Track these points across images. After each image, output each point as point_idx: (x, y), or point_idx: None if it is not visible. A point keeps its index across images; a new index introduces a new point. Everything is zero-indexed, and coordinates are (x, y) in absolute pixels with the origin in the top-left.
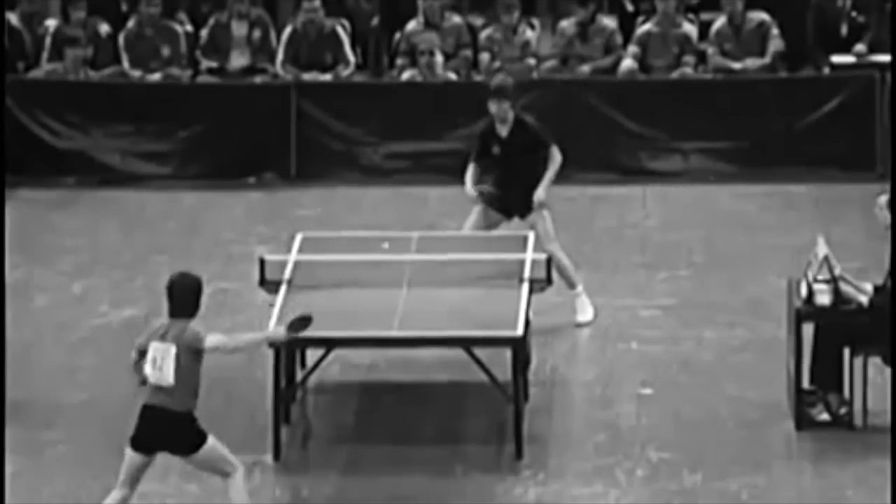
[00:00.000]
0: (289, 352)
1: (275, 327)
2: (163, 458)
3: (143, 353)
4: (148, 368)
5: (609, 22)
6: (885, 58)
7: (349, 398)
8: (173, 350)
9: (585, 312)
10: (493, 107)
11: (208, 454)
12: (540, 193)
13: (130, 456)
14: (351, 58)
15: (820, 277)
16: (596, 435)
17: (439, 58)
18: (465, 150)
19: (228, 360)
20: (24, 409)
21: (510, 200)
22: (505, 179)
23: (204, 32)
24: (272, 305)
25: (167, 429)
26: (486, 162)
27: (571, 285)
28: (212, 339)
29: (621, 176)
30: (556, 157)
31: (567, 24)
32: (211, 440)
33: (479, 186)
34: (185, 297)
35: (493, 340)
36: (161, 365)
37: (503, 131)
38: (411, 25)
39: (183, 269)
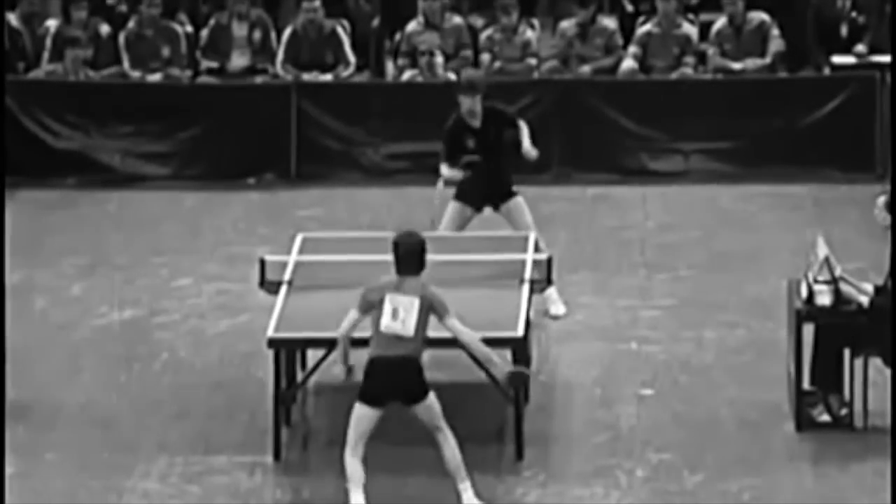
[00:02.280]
0: (289, 353)
1: (501, 364)
2: (164, 459)
3: (366, 309)
4: (386, 320)
5: (609, 22)
6: (886, 58)
7: (350, 399)
8: (417, 303)
9: (558, 306)
10: (466, 102)
11: (433, 404)
12: (528, 149)
13: (361, 412)
14: (351, 58)
15: (820, 278)
16: (596, 436)
17: (440, 58)
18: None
19: (229, 359)
20: (25, 410)
21: (484, 192)
22: (480, 170)
23: (204, 33)
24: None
25: (403, 377)
26: (460, 154)
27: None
28: (458, 323)
29: (621, 176)
30: (523, 125)
31: (567, 25)
32: (433, 395)
33: (460, 167)
34: (411, 256)
35: (493, 341)
36: (404, 317)
37: (476, 123)
38: (412, 26)
39: (408, 229)
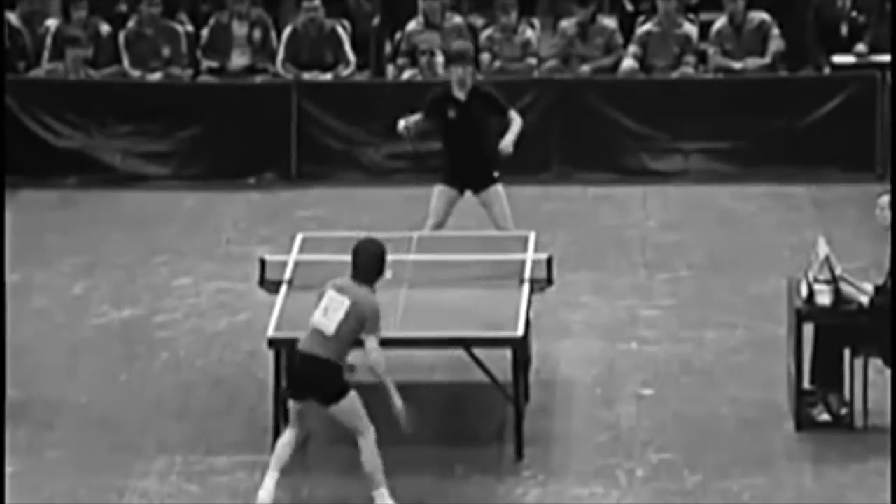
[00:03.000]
0: (289, 352)
1: (397, 400)
2: (164, 459)
3: (319, 299)
4: (317, 315)
5: (609, 22)
6: (886, 58)
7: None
8: (347, 305)
9: None
10: (457, 71)
11: (350, 406)
12: (507, 142)
13: (290, 403)
14: (351, 58)
15: (820, 277)
16: (597, 435)
17: (440, 58)
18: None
19: (229, 358)
20: (25, 410)
21: (465, 173)
22: (460, 146)
23: (204, 32)
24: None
25: (317, 377)
26: (439, 125)
27: None
28: (376, 344)
29: (622, 176)
30: (517, 119)
31: (567, 24)
32: (353, 393)
33: (408, 122)
34: (368, 262)
35: (493, 341)
36: (331, 316)
37: (461, 95)
38: (412, 25)
39: (369, 235)
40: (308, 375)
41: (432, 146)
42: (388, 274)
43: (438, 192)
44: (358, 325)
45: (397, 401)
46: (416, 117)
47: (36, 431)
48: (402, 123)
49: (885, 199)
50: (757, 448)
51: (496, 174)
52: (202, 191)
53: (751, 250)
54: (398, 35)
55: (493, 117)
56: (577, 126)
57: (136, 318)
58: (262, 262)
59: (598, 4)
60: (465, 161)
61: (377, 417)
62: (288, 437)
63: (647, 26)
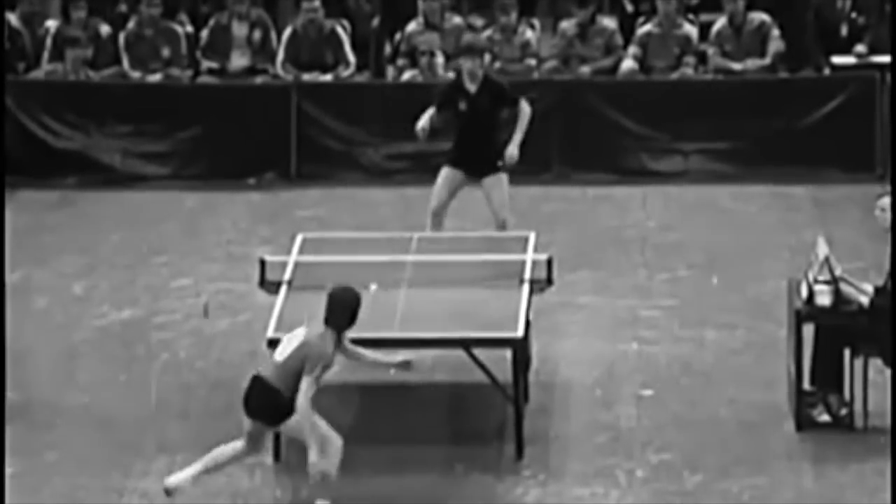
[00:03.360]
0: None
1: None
2: (164, 459)
3: None
4: (280, 345)
5: (609, 23)
6: (886, 59)
7: (349, 399)
8: (300, 341)
9: None
10: (466, 63)
11: (297, 423)
12: (512, 150)
13: (244, 420)
14: (351, 58)
15: (820, 278)
16: (596, 436)
17: (440, 58)
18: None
19: (229, 359)
20: (25, 410)
21: (471, 160)
22: (469, 136)
23: (204, 33)
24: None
25: (260, 400)
26: (450, 117)
27: None
28: (306, 387)
29: (622, 176)
30: (526, 109)
31: (567, 25)
32: (297, 417)
33: (424, 123)
34: (337, 309)
35: (493, 341)
36: (285, 346)
37: (472, 87)
38: (412, 26)
39: (346, 285)
40: (255, 398)
41: (435, 146)
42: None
43: (444, 176)
44: (300, 364)
45: (312, 455)
46: (429, 113)
47: (36, 432)
48: (419, 125)
49: (886, 201)
50: (757, 449)
51: (500, 164)
52: (202, 191)
53: (751, 250)
54: (398, 36)
55: (504, 108)
56: (576, 126)
57: (135, 319)
58: (262, 263)
59: (597, 5)
60: (473, 149)
61: (377, 417)
62: (235, 447)
63: (647, 27)
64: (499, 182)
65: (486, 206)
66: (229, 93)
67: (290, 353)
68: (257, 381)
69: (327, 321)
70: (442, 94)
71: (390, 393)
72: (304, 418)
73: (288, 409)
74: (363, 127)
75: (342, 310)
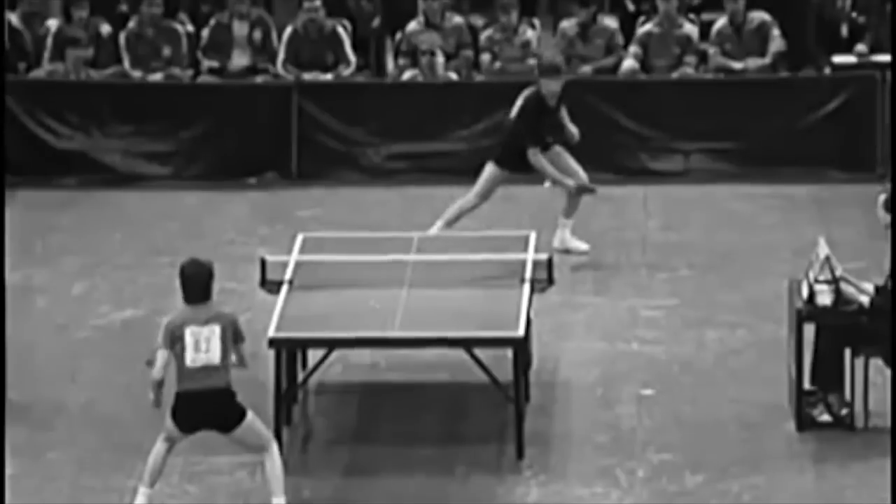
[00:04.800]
0: (290, 353)
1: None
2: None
3: (172, 344)
4: (190, 353)
5: (610, 22)
6: (886, 58)
7: (350, 399)
8: (218, 330)
9: (572, 242)
10: (552, 84)
11: (251, 426)
12: (573, 129)
13: (175, 433)
14: (352, 58)
15: (821, 278)
16: (597, 436)
17: (440, 58)
18: (520, 136)
19: None
20: (25, 411)
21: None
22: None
23: (205, 32)
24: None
25: (215, 408)
26: (531, 127)
27: (568, 214)
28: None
29: (622, 176)
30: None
31: (568, 25)
32: (250, 414)
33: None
34: (197, 284)
35: (494, 341)
36: (207, 347)
37: (553, 103)
38: (412, 26)
39: (195, 258)
40: (208, 411)
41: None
42: None
43: (493, 172)
44: (231, 342)
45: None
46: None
47: (36, 432)
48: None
49: (884, 199)
50: (758, 448)
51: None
52: (202, 191)
53: (750, 250)
54: (398, 35)
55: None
56: (576, 126)
57: (136, 319)
58: (263, 263)
59: (598, 5)
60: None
61: (377, 418)
62: (158, 448)
63: (648, 27)
64: (559, 153)
65: (487, 206)
66: (230, 92)
67: (219, 347)
68: (205, 394)
69: (188, 299)
70: (531, 121)
71: (390, 393)
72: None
73: (241, 407)
74: (363, 127)
75: (197, 283)
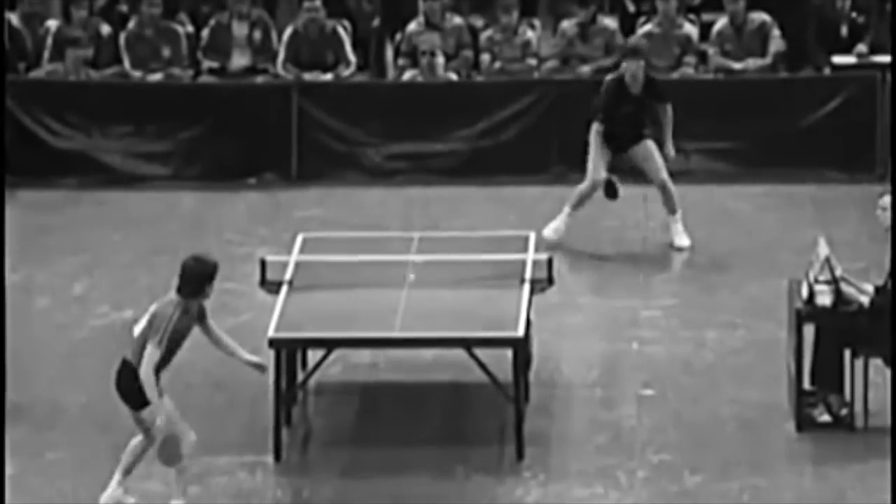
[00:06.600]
0: (290, 353)
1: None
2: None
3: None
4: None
5: (610, 22)
6: (886, 58)
7: (350, 399)
8: (152, 309)
9: (682, 238)
10: (631, 66)
11: (149, 414)
12: (671, 148)
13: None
14: (352, 58)
15: (821, 278)
16: (597, 436)
17: (440, 58)
18: (591, 108)
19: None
20: (25, 411)
21: (621, 143)
22: (630, 134)
23: (205, 33)
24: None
25: (121, 379)
26: (613, 121)
27: (672, 210)
28: (151, 351)
29: (621, 176)
30: (669, 111)
31: (568, 25)
32: (152, 406)
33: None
34: (189, 279)
35: (494, 341)
36: (141, 320)
37: (636, 89)
38: (412, 26)
39: (199, 253)
40: (122, 380)
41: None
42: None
43: (602, 148)
44: (148, 332)
45: (159, 420)
46: (597, 128)
47: (36, 432)
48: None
49: (886, 200)
50: (757, 449)
51: (645, 132)
52: (202, 191)
53: (751, 250)
54: (399, 36)
55: (654, 105)
56: (576, 127)
57: (136, 319)
58: (263, 263)
59: (598, 5)
60: (625, 136)
61: (377, 418)
62: (135, 442)
63: (648, 27)
64: (646, 149)
65: (487, 207)
66: (230, 93)
67: (143, 324)
68: (123, 363)
69: (179, 290)
70: (607, 98)
71: (390, 393)
72: (148, 387)
73: (139, 388)
74: (363, 127)
75: (189, 279)
